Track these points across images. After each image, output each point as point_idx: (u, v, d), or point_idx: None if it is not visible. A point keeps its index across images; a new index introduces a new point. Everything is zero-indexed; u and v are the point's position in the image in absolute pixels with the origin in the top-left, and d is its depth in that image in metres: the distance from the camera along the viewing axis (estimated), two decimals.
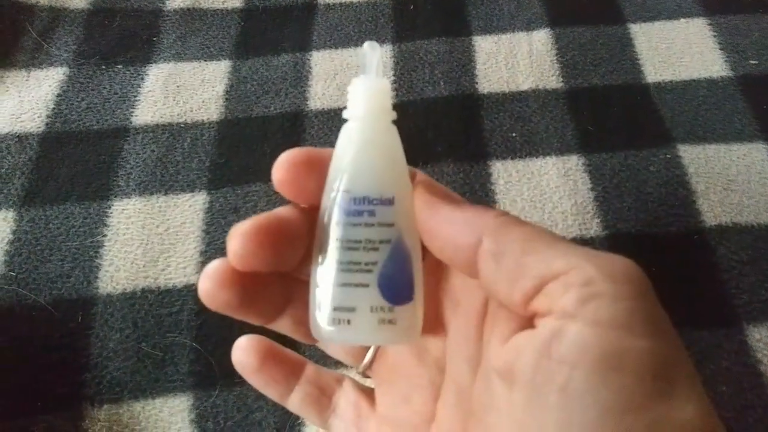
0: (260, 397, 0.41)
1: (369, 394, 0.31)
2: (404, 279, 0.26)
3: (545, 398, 0.20)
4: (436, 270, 0.28)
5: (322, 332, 0.26)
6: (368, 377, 0.32)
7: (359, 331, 0.26)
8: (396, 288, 0.26)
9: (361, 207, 0.26)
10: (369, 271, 0.26)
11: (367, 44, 0.27)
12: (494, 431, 0.23)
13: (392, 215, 0.26)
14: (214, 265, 0.26)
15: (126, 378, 0.42)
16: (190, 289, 0.44)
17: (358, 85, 0.27)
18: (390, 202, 0.26)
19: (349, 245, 0.26)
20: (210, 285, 0.26)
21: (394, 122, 0.27)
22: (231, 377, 0.41)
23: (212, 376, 0.42)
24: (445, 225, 0.25)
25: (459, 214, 0.25)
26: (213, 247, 0.46)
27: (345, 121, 0.27)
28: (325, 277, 0.26)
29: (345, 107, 0.27)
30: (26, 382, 0.41)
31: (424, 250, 0.27)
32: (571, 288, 0.21)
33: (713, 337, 0.42)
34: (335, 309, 0.26)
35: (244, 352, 0.31)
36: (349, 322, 0.26)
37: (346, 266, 0.26)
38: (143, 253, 0.46)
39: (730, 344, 0.41)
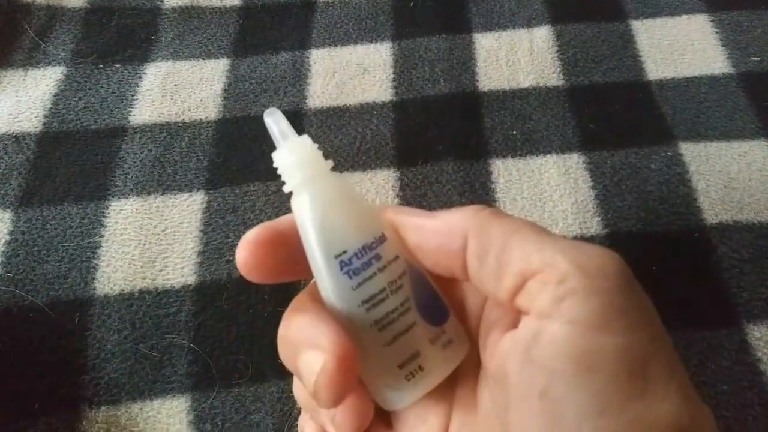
0: (258, 398, 0.41)
1: (386, 416, 0.31)
2: (436, 297, 0.26)
3: (530, 403, 0.20)
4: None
5: (401, 399, 0.25)
6: None
7: (434, 370, 0.25)
8: (435, 309, 0.25)
9: (366, 257, 0.24)
10: (408, 309, 0.25)
11: (265, 114, 0.26)
12: None
13: (392, 248, 0.25)
14: None
15: (124, 379, 0.41)
16: (188, 290, 0.44)
17: (284, 157, 0.26)
18: (383, 238, 0.25)
19: (377, 299, 0.24)
20: None
21: (333, 169, 0.26)
22: (229, 378, 0.41)
23: (210, 377, 0.41)
24: (432, 237, 0.25)
25: (440, 222, 0.25)
26: (211, 247, 0.46)
27: (289, 194, 0.26)
28: (374, 346, 0.24)
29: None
30: (23, 383, 0.41)
31: None
32: (546, 286, 0.21)
33: (714, 336, 0.41)
34: (402, 366, 0.25)
35: None
36: (421, 368, 0.25)
37: (386, 319, 0.24)
38: (141, 254, 0.46)
39: (731, 343, 0.41)
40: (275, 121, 0.26)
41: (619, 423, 0.19)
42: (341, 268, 0.24)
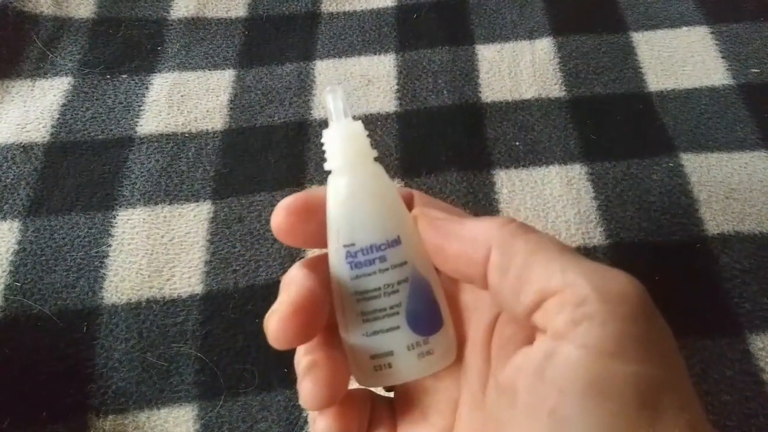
0: (265, 407, 0.41)
1: (389, 408, 0.31)
2: (431, 309, 0.27)
3: (538, 419, 0.21)
4: (448, 287, 0.28)
5: (366, 382, 0.27)
6: (391, 391, 0.32)
7: (402, 371, 0.26)
8: (426, 321, 0.26)
9: (371, 256, 0.26)
10: (396, 313, 0.26)
11: (327, 90, 0.27)
12: None
13: (402, 254, 0.26)
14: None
15: (131, 388, 0.42)
16: (195, 299, 0.45)
17: (332, 136, 0.26)
18: (397, 242, 0.26)
19: (369, 295, 0.26)
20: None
21: (376, 159, 0.27)
22: (236, 387, 0.42)
23: (217, 386, 0.42)
24: (454, 243, 0.25)
25: (465, 229, 0.25)
26: (218, 256, 0.47)
27: (328, 173, 0.27)
28: (355, 332, 0.26)
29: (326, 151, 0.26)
30: (31, 392, 0.41)
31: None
32: (565, 307, 0.21)
33: (716, 346, 0.42)
34: (373, 357, 0.26)
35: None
36: (390, 365, 0.26)
37: (372, 315, 0.26)
38: (148, 263, 0.46)
39: (733, 353, 0.41)
40: (334, 99, 0.27)
41: None
42: (346, 257, 0.26)
